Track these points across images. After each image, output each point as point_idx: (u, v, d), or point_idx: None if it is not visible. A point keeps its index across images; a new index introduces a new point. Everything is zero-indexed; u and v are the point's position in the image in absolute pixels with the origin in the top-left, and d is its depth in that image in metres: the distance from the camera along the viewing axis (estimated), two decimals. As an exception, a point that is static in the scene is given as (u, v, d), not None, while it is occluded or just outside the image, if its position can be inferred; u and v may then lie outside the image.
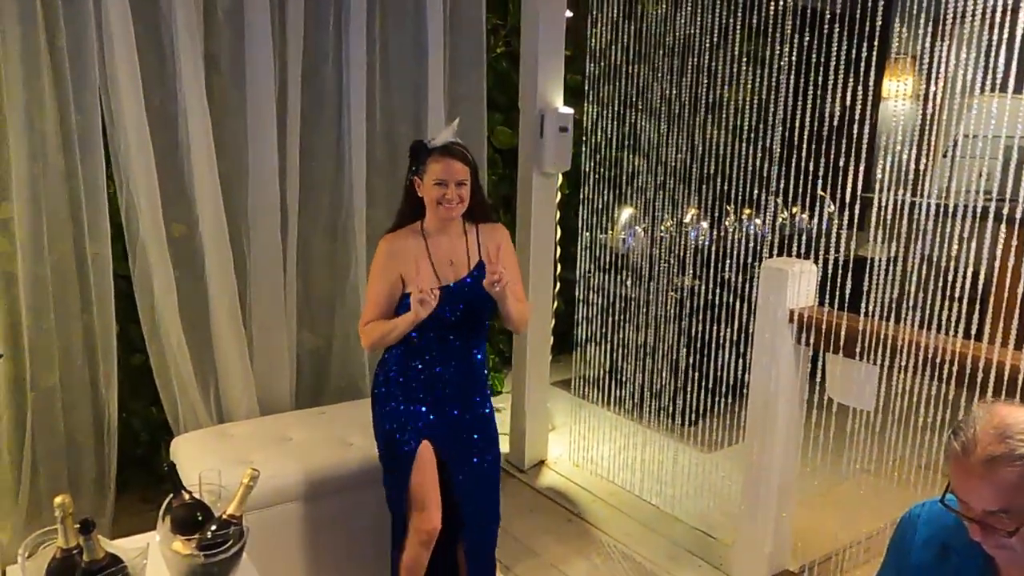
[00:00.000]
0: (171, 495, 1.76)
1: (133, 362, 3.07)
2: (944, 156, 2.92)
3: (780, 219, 3.56)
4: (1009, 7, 2.09)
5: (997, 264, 2.09)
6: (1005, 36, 2.06)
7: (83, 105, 2.56)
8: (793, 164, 2.84)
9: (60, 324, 2.68)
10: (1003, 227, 2.09)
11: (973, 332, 2.19)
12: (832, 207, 2.93)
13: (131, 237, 2.74)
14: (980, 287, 2.22)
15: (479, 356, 2.28)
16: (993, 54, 2.09)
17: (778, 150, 2.94)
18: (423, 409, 2.21)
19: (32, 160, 2.53)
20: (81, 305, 2.73)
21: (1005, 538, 1.18)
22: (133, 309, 2.82)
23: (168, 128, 2.73)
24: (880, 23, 2.46)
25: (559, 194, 3.55)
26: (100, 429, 2.84)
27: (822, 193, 2.83)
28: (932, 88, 2.38)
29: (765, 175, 3.17)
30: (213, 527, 1.68)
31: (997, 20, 2.08)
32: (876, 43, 2.46)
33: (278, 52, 2.87)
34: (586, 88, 3.57)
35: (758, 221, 3.64)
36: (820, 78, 2.63)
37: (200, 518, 1.73)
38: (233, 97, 2.84)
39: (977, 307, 2.19)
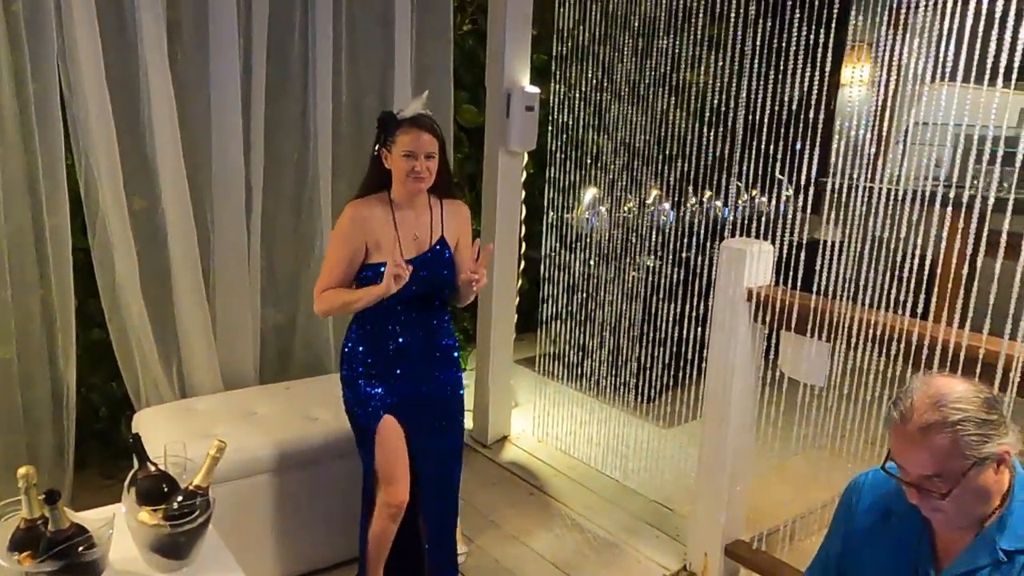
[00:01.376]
0: (137, 467, 1.77)
1: (92, 337, 3.03)
2: (896, 143, 3.01)
3: (740, 201, 3.65)
4: (960, -1, 2.16)
5: (943, 247, 2.18)
6: (955, 26, 2.13)
7: (41, 73, 2.50)
8: (753, 148, 2.91)
9: (17, 297, 2.64)
10: (950, 211, 2.18)
11: (919, 311, 2.29)
12: (789, 190, 3.01)
13: (91, 210, 2.70)
14: (927, 269, 2.31)
15: (443, 328, 2.30)
16: (944, 44, 2.16)
17: (740, 134, 3.00)
18: (386, 386, 2.22)
19: (-13, 129, 2.48)
20: (39, 278, 2.68)
21: (939, 500, 1.25)
22: (92, 283, 2.78)
23: (130, 98, 2.68)
24: (838, 11, 2.52)
25: (524, 173, 3.57)
26: (59, 404, 2.81)
27: (780, 176, 2.91)
28: (885, 76, 2.46)
29: (726, 158, 3.24)
30: (179, 498, 1.69)
31: (948, 10, 2.15)
32: (834, 30, 2.53)
33: (243, 21, 2.83)
34: (553, 68, 3.59)
35: (718, 203, 3.72)
36: (781, 63, 2.69)
37: (166, 489, 1.73)
38: (197, 68, 2.80)
39: (924, 288, 2.29)
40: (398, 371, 2.23)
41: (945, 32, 2.14)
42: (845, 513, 1.53)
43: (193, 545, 1.70)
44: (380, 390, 2.22)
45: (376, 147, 2.19)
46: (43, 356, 2.75)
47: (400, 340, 2.22)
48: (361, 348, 2.23)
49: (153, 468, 1.77)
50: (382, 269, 2.13)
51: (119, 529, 1.64)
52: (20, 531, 1.54)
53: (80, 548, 1.51)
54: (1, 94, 2.47)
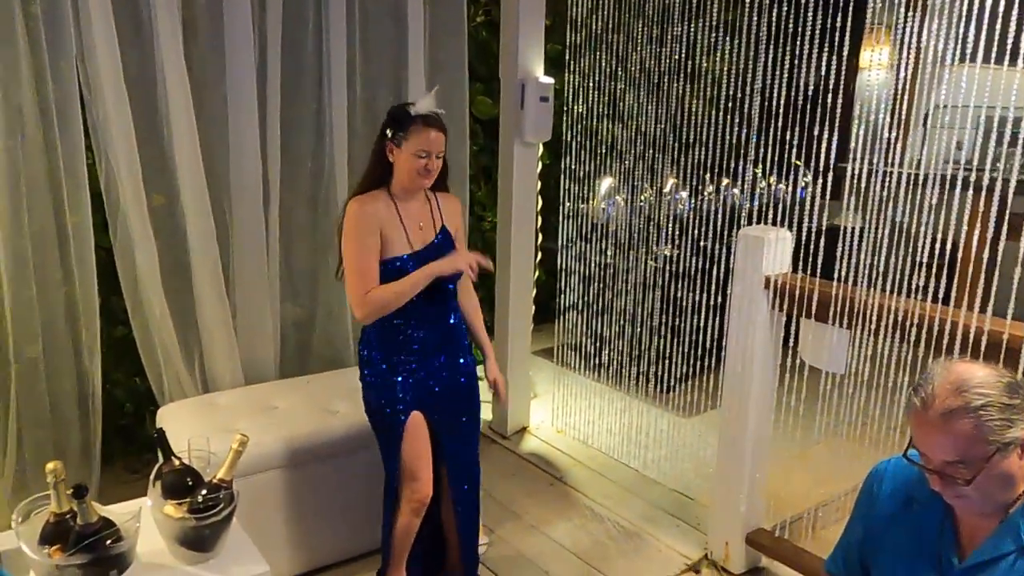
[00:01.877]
0: (161, 461, 1.80)
1: (116, 333, 3.08)
2: (917, 126, 2.97)
3: (757, 188, 3.62)
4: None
5: (964, 231, 2.15)
6: (975, 7, 2.09)
7: (60, 74, 2.53)
8: (770, 134, 2.88)
9: (41, 296, 2.68)
10: (970, 195, 2.15)
11: (940, 297, 2.26)
12: (807, 176, 2.98)
13: (111, 208, 2.73)
14: (948, 253, 2.28)
15: (454, 319, 2.32)
16: (964, 24, 2.13)
17: (757, 120, 2.97)
18: (408, 382, 2.23)
19: (9, 131, 2.51)
20: (62, 276, 2.72)
21: (962, 487, 1.24)
22: (115, 281, 2.82)
23: (147, 97, 2.71)
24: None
25: (540, 164, 3.57)
26: (84, 400, 2.85)
27: (797, 162, 2.88)
28: (904, 58, 2.42)
29: (743, 145, 3.21)
30: (203, 491, 1.72)
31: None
32: (852, 13, 2.49)
33: (257, 19, 2.84)
34: (567, 58, 3.58)
35: (736, 191, 3.70)
36: (798, 48, 2.66)
37: (190, 483, 1.76)
38: (213, 65, 2.82)
39: (945, 272, 2.26)
40: (413, 365, 2.23)
41: (965, 12, 2.10)
42: (867, 500, 1.52)
43: (218, 537, 1.73)
44: (403, 387, 2.22)
45: (383, 140, 2.17)
46: (68, 353, 2.80)
47: (419, 334, 2.23)
48: (381, 347, 2.23)
49: (177, 462, 1.80)
50: (398, 264, 2.15)
51: (145, 522, 1.67)
52: (50, 525, 1.58)
53: (108, 541, 1.55)
54: (22, 95, 2.50)
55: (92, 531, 1.54)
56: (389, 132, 2.16)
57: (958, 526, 1.36)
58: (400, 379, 2.22)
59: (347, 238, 2.15)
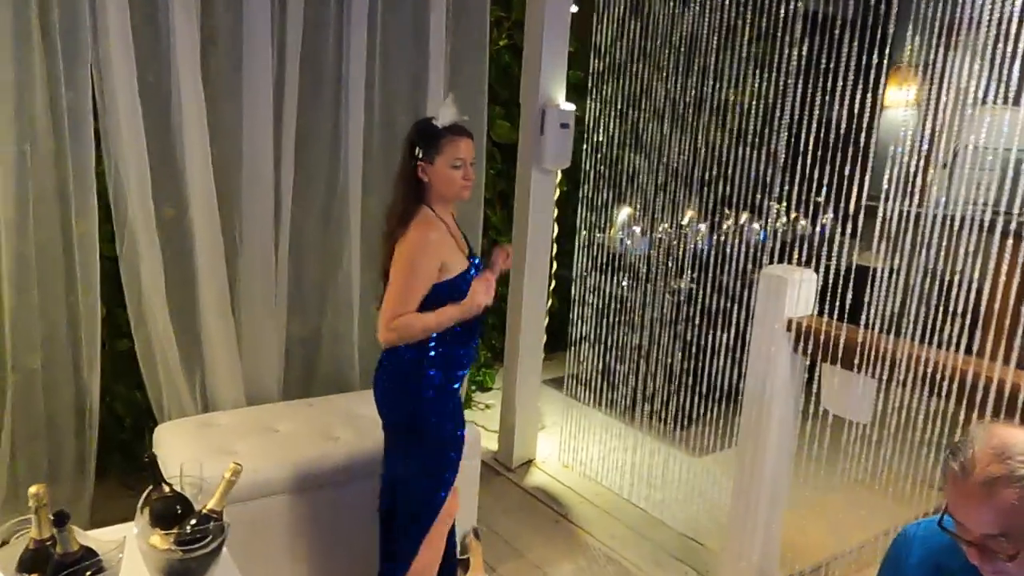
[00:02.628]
0: (150, 487, 1.72)
1: (119, 347, 3.01)
2: (944, 167, 2.88)
3: (779, 224, 3.53)
4: (1015, 17, 2.06)
5: (1003, 279, 2.06)
6: (1009, 48, 2.03)
7: (74, 81, 2.50)
8: (796, 170, 2.81)
9: (44, 305, 2.63)
10: (1001, 240, 2.06)
11: (974, 349, 2.16)
12: (829, 214, 2.90)
13: (119, 218, 2.68)
14: (983, 303, 2.19)
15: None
16: (997, 65, 2.06)
17: (782, 155, 2.90)
18: (460, 396, 2.25)
19: (21, 136, 2.47)
20: (66, 286, 2.67)
21: (1004, 563, 1.15)
22: (120, 292, 2.77)
23: (161, 107, 2.67)
24: (884, 30, 2.43)
25: (557, 191, 3.50)
26: (81, 413, 2.78)
27: (818, 199, 2.81)
28: (933, 97, 2.35)
29: (768, 180, 3.14)
30: (192, 521, 1.64)
31: (1003, 31, 2.05)
32: (879, 50, 2.43)
33: (277, 34, 2.81)
34: (589, 85, 3.53)
35: (756, 226, 3.61)
36: (825, 83, 2.60)
37: (180, 511, 1.68)
38: (229, 78, 2.78)
39: (980, 324, 2.17)
40: (456, 385, 2.21)
41: (1000, 52, 2.03)
42: (893, 567, 1.44)
43: (206, 570, 1.64)
44: (456, 403, 2.22)
45: (413, 160, 2.08)
46: (68, 365, 2.74)
47: (470, 351, 2.22)
48: (442, 364, 2.14)
49: (167, 489, 1.72)
50: (468, 277, 2.10)
51: (130, 552, 1.59)
52: (29, 551, 1.50)
53: (88, 573, 1.46)
54: (35, 102, 2.47)
55: (72, 560, 1.46)
56: (419, 151, 2.07)
57: None
58: (456, 398, 2.20)
59: (406, 262, 2.04)
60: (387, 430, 2.26)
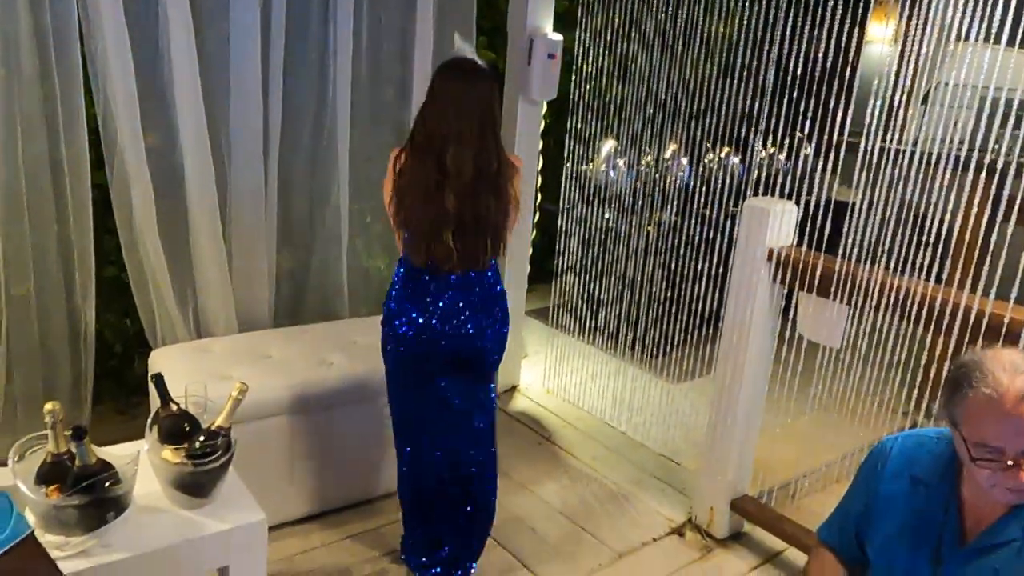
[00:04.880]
0: (159, 405, 1.78)
1: (105, 273, 3.02)
2: (922, 103, 2.94)
3: (758, 158, 3.59)
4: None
5: (974, 212, 2.15)
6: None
7: (57, 2, 2.44)
8: (773, 104, 2.85)
9: (34, 231, 2.62)
10: (971, 176, 2.14)
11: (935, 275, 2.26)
12: (809, 149, 2.96)
13: (108, 144, 2.66)
14: (954, 234, 2.28)
15: None
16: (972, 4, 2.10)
17: (762, 89, 2.94)
18: None
19: (3, 60, 2.42)
20: (56, 212, 2.66)
21: None
22: (107, 219, 2.76)
23: (148, 31, 2.61)
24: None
25: (542, 122, 3.51)
26: (76, 339, 2.82)
27: (800, 134, 2.86)
28: (912, 32, 2.39)
29: (746, 113, 3.18)
30: (201, 437, 1.71)
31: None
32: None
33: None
34: (579, 15, 3.50)
35: (735, 159, 3.66)
36: (808, 18, 2.62)
37: (188, 428, 1.75)
38: (215, 2, 2.72)
39: (950, 253, 2.27)
40: None
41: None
42: (870, 475, 1.51)
43: (215, 484, 1.73)
44: None
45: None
46: (60, 291, 2.75)
47: None
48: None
49: (175, 407, 1.79)
50: None
51: (142, 466, 1.66)
52: (46, 465, 1.57)
53: (107, 483, 1.54)
54: (18, 22, 2.41)
55: (91, 472, 1.53)
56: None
57: (963, 511, 1.36)
58: None
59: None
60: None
